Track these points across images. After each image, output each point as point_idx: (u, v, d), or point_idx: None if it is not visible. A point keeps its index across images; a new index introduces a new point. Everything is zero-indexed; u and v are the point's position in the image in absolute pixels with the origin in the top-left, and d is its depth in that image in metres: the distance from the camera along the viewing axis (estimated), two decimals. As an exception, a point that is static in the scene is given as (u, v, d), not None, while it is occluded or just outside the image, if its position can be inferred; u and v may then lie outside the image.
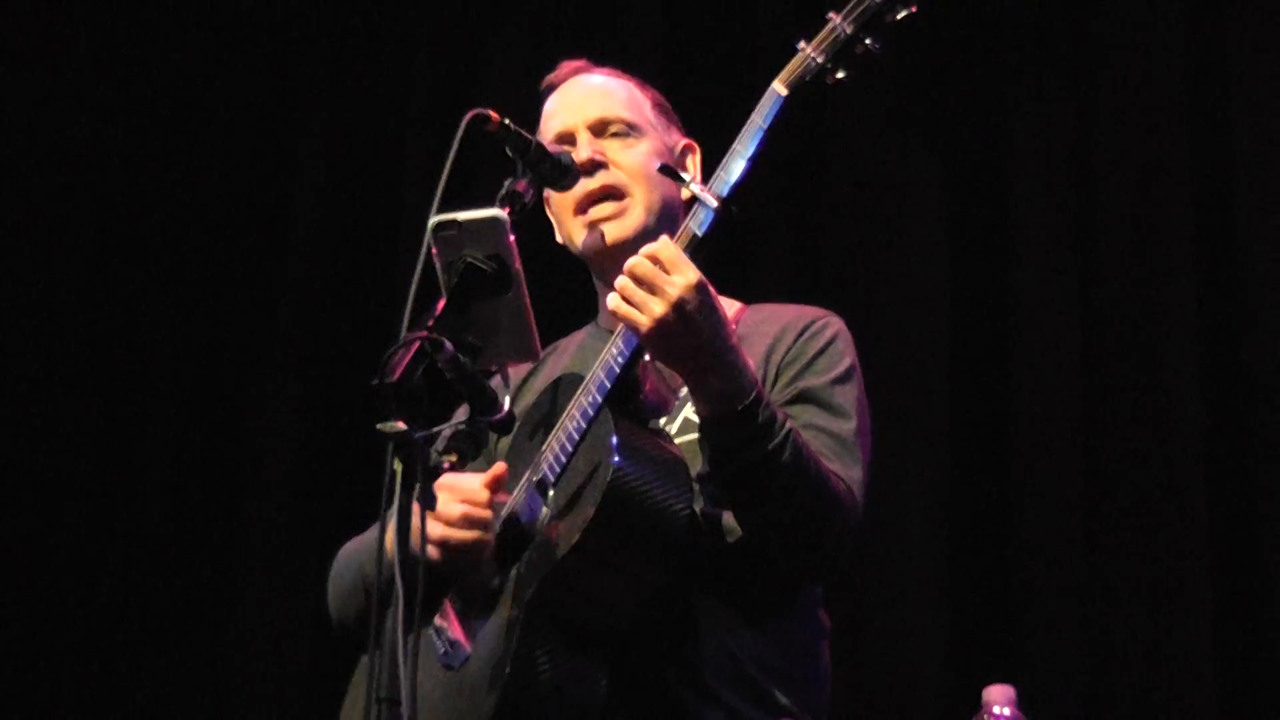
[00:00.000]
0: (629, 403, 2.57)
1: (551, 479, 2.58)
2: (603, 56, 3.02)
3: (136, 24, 5.15)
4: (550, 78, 2.96)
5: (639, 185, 2.81)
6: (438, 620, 2.63)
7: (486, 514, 2.55)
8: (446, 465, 2.31)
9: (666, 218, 2.79)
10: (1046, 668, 4.06)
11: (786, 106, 2.60)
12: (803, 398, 2.66)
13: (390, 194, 4.93)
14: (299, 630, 4.70)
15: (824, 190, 4.54)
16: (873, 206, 4.48)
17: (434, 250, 2.37)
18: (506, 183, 2.53)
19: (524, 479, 2.63)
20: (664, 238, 2.51)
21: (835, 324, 2.76)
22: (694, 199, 2.58)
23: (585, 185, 2.76)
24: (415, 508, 2.18)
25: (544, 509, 2.57)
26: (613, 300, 2.49)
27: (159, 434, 5.00)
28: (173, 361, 5.05)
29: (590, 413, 2.56)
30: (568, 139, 2.84)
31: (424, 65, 5.04)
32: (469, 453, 2.35)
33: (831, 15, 2.61)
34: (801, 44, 2.62)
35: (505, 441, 2.73)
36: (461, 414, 2.37)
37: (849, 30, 2.59)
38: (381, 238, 4.86)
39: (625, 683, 2.51)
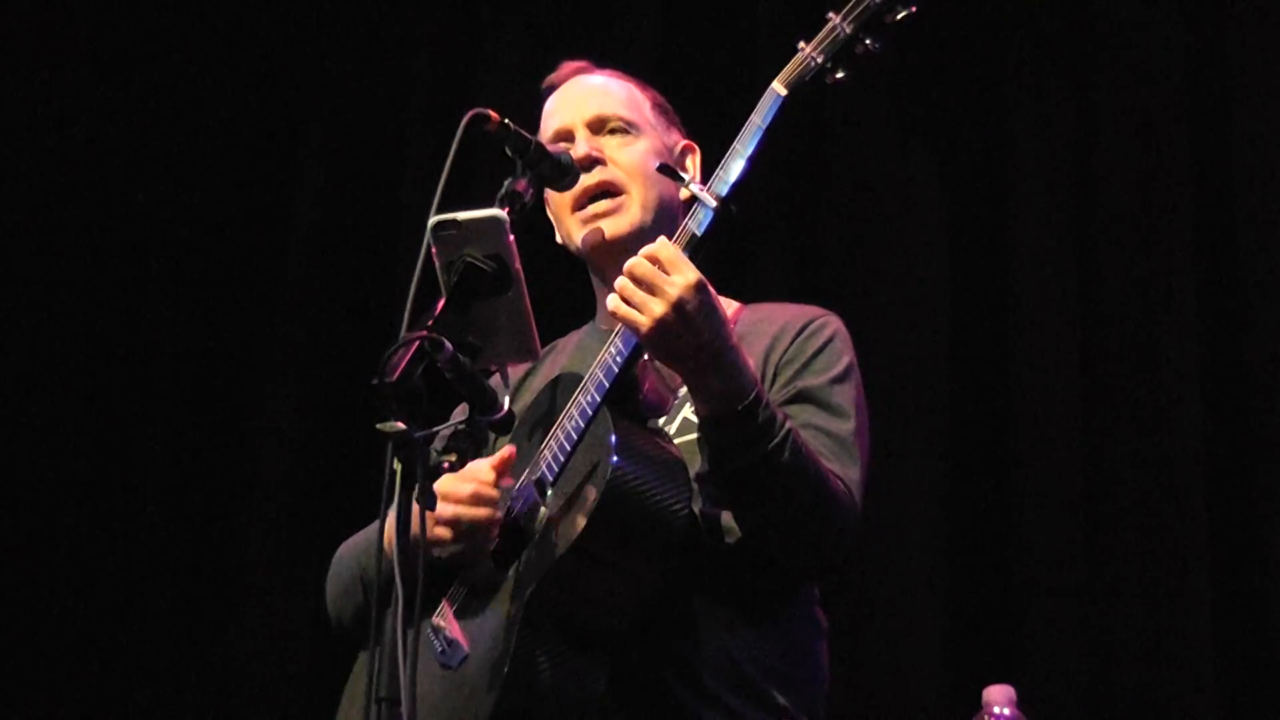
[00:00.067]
0: (628, 402, 2.57)
1: (550, 478, 2.58)
2: (602, 57, 3.03)
3: (136, 24, 5.15)
4: (551, 78, 2.96)
5: (636, 183, 2.81)
6: (435, 619, 2.63)
7: (495, 492, 2.56)
8: (446, 465, 2.31)
9: (664, 217, 2.79)
10: (1046, 668, 4.06)
11: (786, 106, 2.59)
12: (801, 397, 2.66)
13: (390, 194, 4.93)
14: (299, 630, 4.70)
15: (824, 190, 4.54)
16: (873, 206, 4.48)
17: (434, 250, 2.37)
18: (506, 183, 2.53)
19: (523, 478, 2.63)
20: (662, 238, 2.51)
21: (833, 323, 2.76)
22: (693, 199, 2.58)
23: (582, 181, 2.76)
24: (415, 507, 2.19)
25: (542, 508, 2.57)
26: (612, 301, 2.49)
27: (159, 434, 5.00)
28: (173, 361, 5.04)
29: (589, 412, 2.56)
30: (566, 136, 2.84)
31: (424, 65, 5.04)
32: (469, 452, 2.35)
33: (831, 15, 2.61)
34: (801, 44, 2.62)
35: (504, 441, 2.72)
36: (461, 414, 2.37)
37: (849, 30, 2.59)
38: (381, 238, 4.86)
39: (624, 682, 2.51)
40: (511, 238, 2.37)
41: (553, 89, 2.94)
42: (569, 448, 2.57)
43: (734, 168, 2.57)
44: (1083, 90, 4.33)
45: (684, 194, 2.64)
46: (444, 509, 2.52)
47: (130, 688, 4.82)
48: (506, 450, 2.60)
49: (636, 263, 2.48)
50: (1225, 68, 4.20)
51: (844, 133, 4.51)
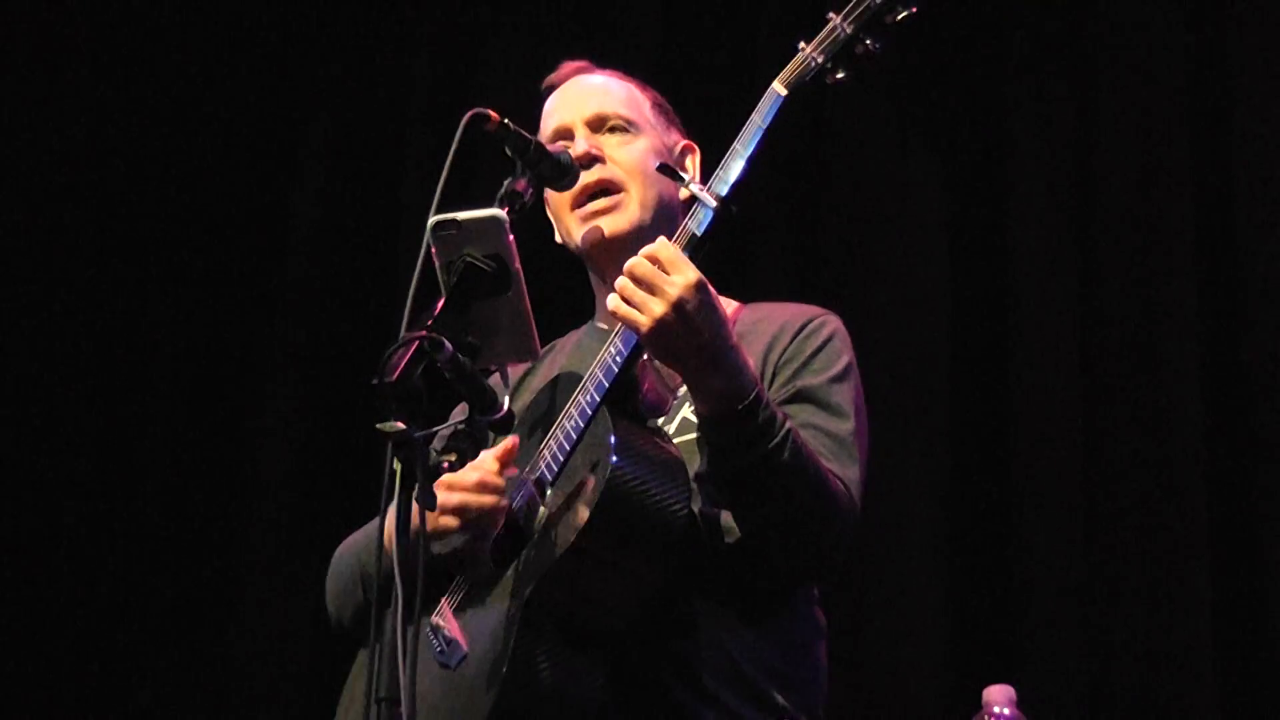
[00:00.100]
0: (627, 402, 2.57)
1: (549, 478, 2.58)
2: (602, 57, 3.03)
3: (136, 23, 5.15)
4: (551, 78, 2.96)
5: (635, 181, 2.81)
6: (434, 619, 2.63)
7: (501, 480, 2.55)
8: (446, 465, 2.31)
9: (664, 216, 2.79)
10: (1046, 668, 4.06)
11: (786, 107, 2.59)
12: (800, 396, 2.66)
13: (390, 194, 4.93)
14: (299, 630, 4.70)
15: (824, 190, 4.54)
16: (873, 206, 4.48)
17: (434, 250, 2.37)
18: (506, 182, 2.53)
19: (522, 477, 2.63)
20: (662, 238, 2.51)
21: (833, 322, 2.76)
22: (693, 199, 2.58)
23: (582, 179, 2.76)
24: (415, 507, 2.19)
25: (542, 508, 2.57)
26: (612, 301, 2.49)
27: (159, 434, 5.00)
28: (173, 361, 5.05)
29: (588, 412, 2.56)
30: (565, 135, 2.84)
31: (424, 65, 5.04)
32: (468, 452, 2.34)
33: (831, 15, 2.60)
34: (801, 44, 2.62)
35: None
36: (461, 414, 2.37)
37: (849, 30, 2.59)
38: (381, 238, 4.86)
39: (623, 682, 2.51)
40: (511, 237, 2.37)
41: (553, 89, 2.94)
42: (568, 447, 2.57)
43: (734, 168, 2.57)
44: (1083, 90, 4.33)
45: (684, 194, 2.64)
46: (450, 497, 2.52)
47: (130, 688, 4.82)
48: (510, 440, 2.59)
49: (636, 262, 2.48)
50: (1225, 68, 4.20)
51: (844, 133, 4.52)
